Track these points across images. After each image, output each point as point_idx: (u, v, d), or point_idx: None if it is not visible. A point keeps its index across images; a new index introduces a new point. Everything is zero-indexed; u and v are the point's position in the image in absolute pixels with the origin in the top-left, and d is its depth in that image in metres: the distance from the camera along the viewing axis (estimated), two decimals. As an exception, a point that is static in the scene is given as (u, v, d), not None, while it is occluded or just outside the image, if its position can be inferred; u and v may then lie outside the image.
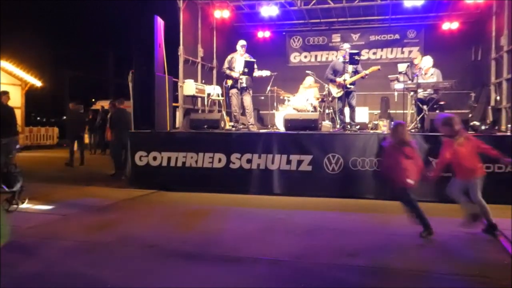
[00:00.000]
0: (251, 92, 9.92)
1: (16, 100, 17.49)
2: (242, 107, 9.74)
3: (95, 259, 4.25)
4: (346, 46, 9.46)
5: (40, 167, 11.89)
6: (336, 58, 10.10)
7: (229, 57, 9.76)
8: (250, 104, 9.85)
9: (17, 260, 4.12)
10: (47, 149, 19.57)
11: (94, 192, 8.00)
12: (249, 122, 9.87)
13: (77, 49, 32.33)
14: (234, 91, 9.60)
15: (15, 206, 6.17)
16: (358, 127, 9.92)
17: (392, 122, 6.22)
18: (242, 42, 9.81)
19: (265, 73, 9.62)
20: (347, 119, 9.45)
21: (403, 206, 5.06)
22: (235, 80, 9.47)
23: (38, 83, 19.78)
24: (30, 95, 20.55)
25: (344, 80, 9.06)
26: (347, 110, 9.46)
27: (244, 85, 9.56)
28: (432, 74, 9.12)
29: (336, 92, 9.38)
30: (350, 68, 9.19)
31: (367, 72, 9.18)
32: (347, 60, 8.99)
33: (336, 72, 9.37)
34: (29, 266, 4.02)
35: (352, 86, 9.31)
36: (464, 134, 5.14)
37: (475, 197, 4.94)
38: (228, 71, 9.63)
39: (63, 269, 3.99)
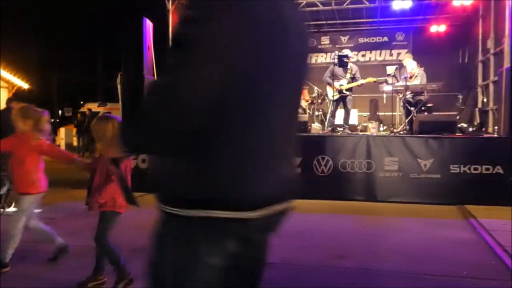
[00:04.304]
0: None
1: (2, 103, 17.30)
2: None
3: (84, 262, 4.20)
4: (347, 52, 9.58)
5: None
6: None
7: None
8: None
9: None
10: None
11: (82, 195, 7.81)
12: None
13: (65, 51, 32.04)
14: None
15: (1, 210, 6.09)
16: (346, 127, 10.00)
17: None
18: None
19: None
20: (341, 121, 9.56)
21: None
22: None
23: (25, 85, 19.58)
24: (17, 97, 20.29)
25: (341, 85, 9.23)
26: (341, 113, 9.62)
27: None
28: (416, 76, 9.22)
29: (332, 94, 9.47)
30: (348, 74, 9.32)
31: (363, 81, 9.37)
32: (346, 63, 9.13)
33: (334, 76, 9.46)
34: (15, 270, 3.97)
35: (348, 92, 9.43)
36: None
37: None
38: None
39: (50, 273, 3.95)
